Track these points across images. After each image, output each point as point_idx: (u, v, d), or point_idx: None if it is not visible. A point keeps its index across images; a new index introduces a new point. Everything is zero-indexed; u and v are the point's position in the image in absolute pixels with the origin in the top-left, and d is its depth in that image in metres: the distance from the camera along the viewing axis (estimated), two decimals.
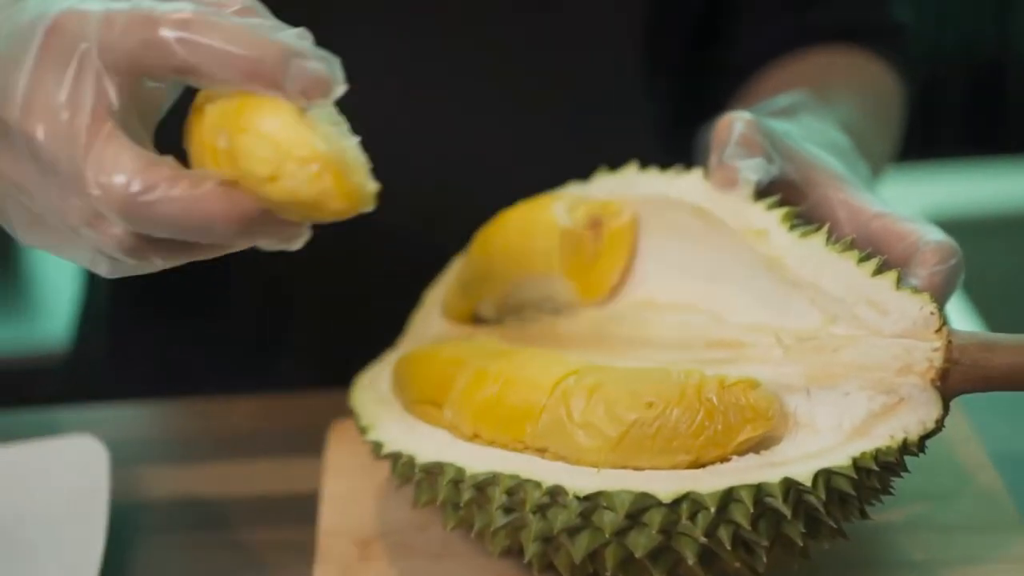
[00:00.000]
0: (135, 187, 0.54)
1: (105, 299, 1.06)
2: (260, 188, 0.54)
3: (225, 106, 0.55)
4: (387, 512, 0.74)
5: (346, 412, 0.76)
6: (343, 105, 0.57)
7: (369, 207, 0.56)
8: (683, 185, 0.70)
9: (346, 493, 0.76)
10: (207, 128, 0.56)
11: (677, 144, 0.93)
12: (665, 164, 0.73)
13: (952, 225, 0.70)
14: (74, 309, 1.13)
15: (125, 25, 0.54)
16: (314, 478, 0.79)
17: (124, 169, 0.54)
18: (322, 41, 0.57)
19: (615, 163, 0.76)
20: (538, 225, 0.74)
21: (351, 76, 0.56)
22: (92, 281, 1.09)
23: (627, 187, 0.73)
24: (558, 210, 0.73)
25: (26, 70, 0.55)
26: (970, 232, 1.70)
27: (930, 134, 2.10)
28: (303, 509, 0.77)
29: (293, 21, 0.57)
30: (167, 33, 0.54)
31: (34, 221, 0.59)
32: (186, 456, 0.84)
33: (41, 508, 0.74)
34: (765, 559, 0.62)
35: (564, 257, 0.72)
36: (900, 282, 0.62)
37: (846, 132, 0.78)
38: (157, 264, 0.58)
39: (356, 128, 0.57)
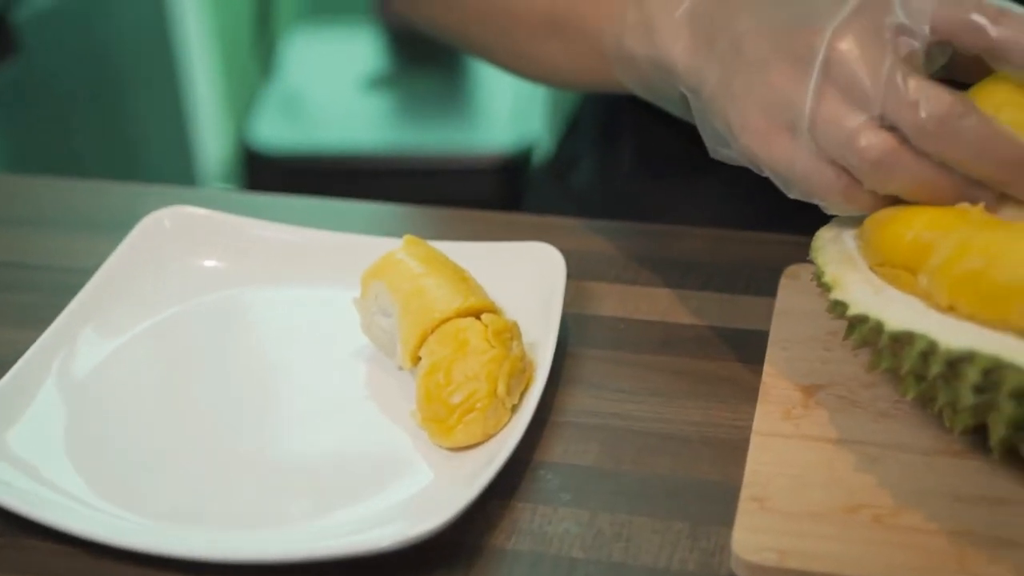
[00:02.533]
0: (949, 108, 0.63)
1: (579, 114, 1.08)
2: None
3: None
4: (834, 363, 0.73)
5: (802, 258, 0.74)
6: None
7: None
8: None
9: (794, 339, 0.75)
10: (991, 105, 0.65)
11: None
12: None
13: None
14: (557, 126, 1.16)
15: (949, 4, 0.65)
16: (763, 318, 0.78)
17: (939, 95, 0.64)
18: None
19: None
20: None
21: None
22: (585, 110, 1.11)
23: None
24: None
25: (851, 5, 0.66)
26: None
27: None
28: (750, 347, 0.77)
29: None
30: (982, 20, 0.64)
31: (767, 132, 0.68)
32: (638, 277, 0.85)
33: (499, 305, 0.77)
34: None
35: None
36: None
37: None
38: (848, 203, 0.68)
39: None
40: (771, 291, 0.80)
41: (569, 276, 0.79)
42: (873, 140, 0.64)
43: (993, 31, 0.65)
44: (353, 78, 2.16)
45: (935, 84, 0.64)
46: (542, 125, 1.88)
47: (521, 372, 0.72)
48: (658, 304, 0.82)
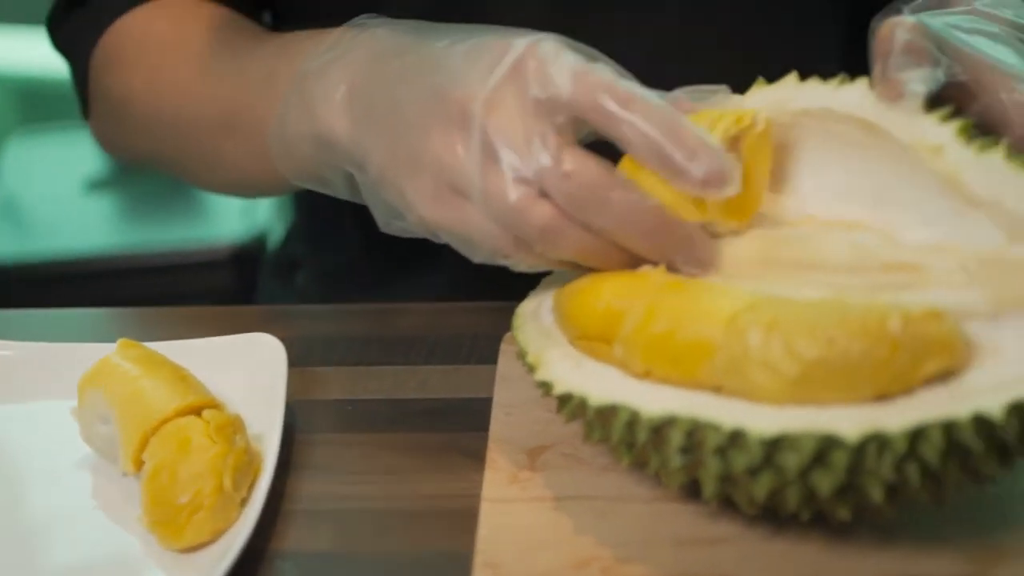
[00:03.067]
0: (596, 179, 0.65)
1: (296, 211, 1.09)
2: None
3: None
4: (556, 423, 0.74)
5: None
6: None
7: None
8: (847, 97, 0.67)
9: (517, 402, 0.77)
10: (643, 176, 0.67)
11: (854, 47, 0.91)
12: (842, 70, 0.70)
13: None
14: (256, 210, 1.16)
15: (583, 85, 0.65)
16: (487, 386, 0.80)
17: (587, 166, 0.65)
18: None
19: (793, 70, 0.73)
20: None
21: None
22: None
23: (786, 99, 0.70)
24: None
25: (497, 76, 0.67)
26: None
27: None
28: (475, 415, 0.78)
29: None
30: (611, 105, 0.65)
31: (439, 197, 0.68)
32: (361, 358, 0.86)
33: (221, 400, 0.76)
34: (951, 491, 0.60)
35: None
36: None
37: None
38: (530, 262, 0.69)
39: None
40: (494, 358, 0.81)
41: (293, 363, 0.79)
42: (536, 211, 0.66)
43: (621, 117, 0.65)
44: (75, 183, 2.11)
45: (586, 155, 0.66)
46: (272, 215, 1.88)
47: (247, 465, 0.72)
48: (384, 382, 0.83)
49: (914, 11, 0.72)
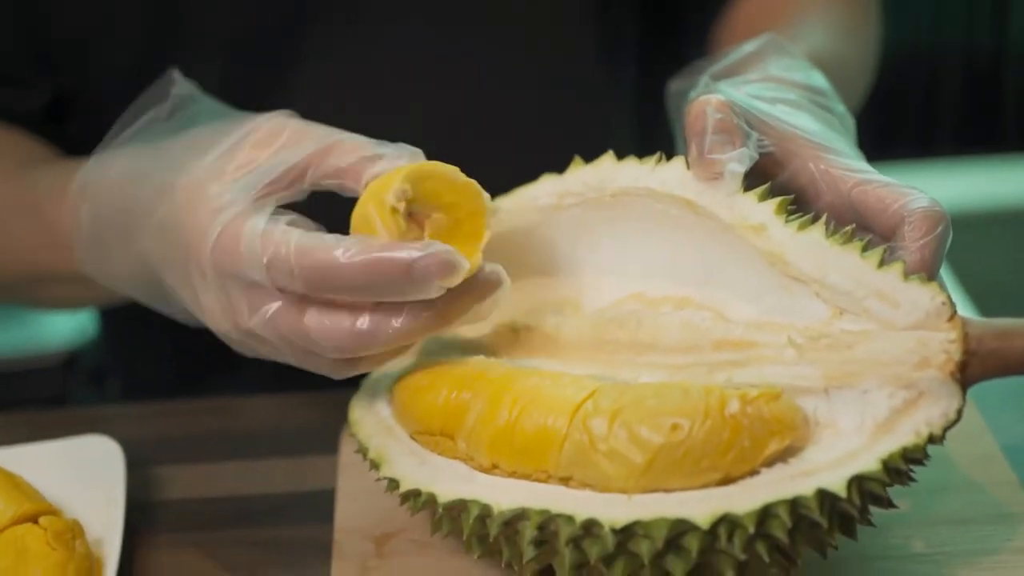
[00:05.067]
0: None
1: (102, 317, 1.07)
2: None
3: None
4: (403, 509, 0.74)
5: None
6: None
7: None
8: (666, 176, 0.69)
9: (362, 490, 0.76)
10: None
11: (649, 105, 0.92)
12: (639, 127, 0.71)
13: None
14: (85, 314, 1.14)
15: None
16: (330, 476, 0.79)
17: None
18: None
19: (589, 139, 0.74)
20: None
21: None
22: None
23: (605, 179, 0.71)
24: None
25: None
26: (968, 228, 1.71)
27: (927, 133, 2.11)
28: (320, 506, 0.78)
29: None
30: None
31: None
32: (201, 455, 0.84)
33: (58, 506, 0.74)
34: (799, 562, 0.62)
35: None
36: (881, 262, 0.62)
37: (820, 66, 0.77)
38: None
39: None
40: (334, 448, 0.81)
41: (132, 464, 0.78)
42: (314, 325, 0.65)
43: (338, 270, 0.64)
44: None
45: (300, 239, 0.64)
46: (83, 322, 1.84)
47: (88, 570, 0.70)
48: (226, 479, 0.82)
49: (713, 78, 0.74)
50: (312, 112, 0.71)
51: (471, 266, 0.64)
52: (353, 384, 0.77)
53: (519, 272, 0.72)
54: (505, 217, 0.74)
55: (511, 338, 0.73)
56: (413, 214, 0.65)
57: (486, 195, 0.67)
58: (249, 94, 0.84)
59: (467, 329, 0.73)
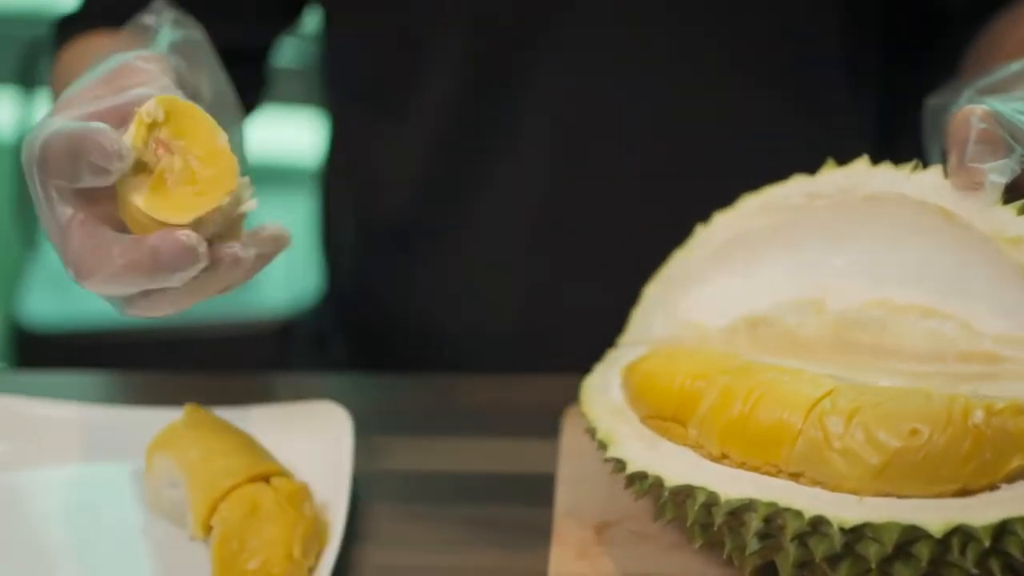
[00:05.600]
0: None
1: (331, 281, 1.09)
2: None
3: None
4: (623, 498, 0.74)
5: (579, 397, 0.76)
6: None
7: None
8: (922, 183, 0.67)
9: (583, 477, 0.76)
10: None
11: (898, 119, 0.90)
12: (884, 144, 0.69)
13: None
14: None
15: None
16: (547, 460, 0.80)
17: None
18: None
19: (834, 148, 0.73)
20: None
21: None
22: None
23: (858, 182, 0.70)
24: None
25: None
26: None
27: None
28: (537, 490, 0.78)
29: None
30: None
31: None
32: (423, 429, 0.86)
33: (287, 467, 0.76)
34: None
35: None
36: None
37: None
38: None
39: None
40: (552, 432, 0.81)
41: (357, 432, 0.79)
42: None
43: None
44: None
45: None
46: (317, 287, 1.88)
47: (315, 533, 0.71)
48: (447, 454, 0.83)
49: (979, 93, 0.72)
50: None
51: (183, 222, 0.62)
52: (578, 369, 0.78)
53: (762, 267, 0.72)
54: (752, 213, 0.74)
55: (749, 332, 0.72)
56: (163, 141, 0.64)
57: (240, 174, 0.64)
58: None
59: (706, 320, 0.73)
